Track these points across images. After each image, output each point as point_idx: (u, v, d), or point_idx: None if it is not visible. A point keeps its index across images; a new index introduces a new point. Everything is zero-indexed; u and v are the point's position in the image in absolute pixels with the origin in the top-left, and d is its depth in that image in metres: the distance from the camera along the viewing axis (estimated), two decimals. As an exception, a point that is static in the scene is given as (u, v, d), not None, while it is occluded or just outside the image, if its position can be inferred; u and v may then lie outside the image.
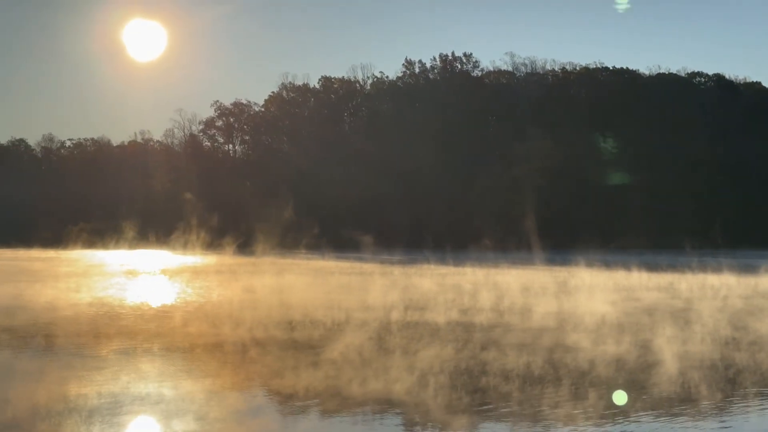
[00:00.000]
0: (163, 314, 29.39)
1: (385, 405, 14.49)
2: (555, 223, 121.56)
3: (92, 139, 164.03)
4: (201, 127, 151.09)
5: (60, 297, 35.82)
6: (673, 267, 64.79)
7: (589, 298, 35.06)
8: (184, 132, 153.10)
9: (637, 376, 17.31)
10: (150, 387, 16.09)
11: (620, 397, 14.86)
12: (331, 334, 23.52)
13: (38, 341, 22.37)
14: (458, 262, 72.06)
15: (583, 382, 16.60)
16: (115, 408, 14.13)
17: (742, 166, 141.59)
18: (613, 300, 34.76)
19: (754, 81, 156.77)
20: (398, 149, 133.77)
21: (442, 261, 73.38)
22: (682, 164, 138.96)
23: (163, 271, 59.68)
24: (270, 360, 19.15)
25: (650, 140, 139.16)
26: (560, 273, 56.33)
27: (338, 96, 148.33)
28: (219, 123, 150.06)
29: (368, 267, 64.89)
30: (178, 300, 35.29)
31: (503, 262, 70.79)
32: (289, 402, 14.87)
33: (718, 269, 59.14)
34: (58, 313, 29.29)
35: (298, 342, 22.01)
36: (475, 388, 16.03)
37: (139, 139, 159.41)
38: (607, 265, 65.03)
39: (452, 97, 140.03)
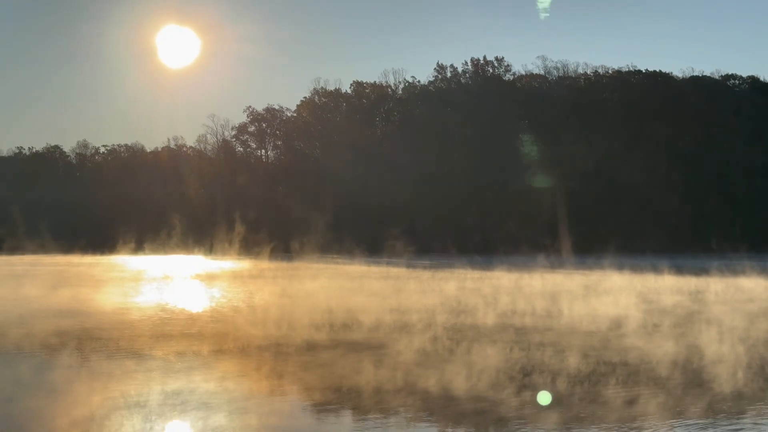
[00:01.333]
0: (222, 317, 31.51)
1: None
2: (588, 226, 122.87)
3: (126, 145, 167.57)
4: (233, 132, 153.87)
5: (128, 302, 38.08)
6: (703, 270, 66.20)
7: (617, 301, 36.81)
8: (216, 137, 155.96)
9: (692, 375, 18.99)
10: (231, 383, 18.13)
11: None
12: (384, 335, 25.48)
13: (144, 340, 24.52)
14: (490, 266, 73.78)
15: (640, 380, 18.43)
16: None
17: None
18: (636, 303, 36.48)
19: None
20: (431, 154, 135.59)
21: (474, 265, 75.17)
22: (717, 167, 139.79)
23: (206, 276, 61.83)
24: (351, 360, 21.13)
25: (684, 143, 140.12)
26: (592, 277, 57.91)
27: (370, 101, 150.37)
28: (251, 128, 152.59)
29: (402, 272, 66.75)
30: (228, 305, 37.34)
31: (536, 266, 72.35)
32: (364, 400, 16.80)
33: (744, 273, 60.50)
34: (136, 316, 31.50)
35: (355, 343, 23.95)
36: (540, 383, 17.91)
37: (172, 145, 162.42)
38: (638, 268, 66.36)
39: (484, 102, 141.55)
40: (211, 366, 19.82)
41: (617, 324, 28.04)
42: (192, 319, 30.57)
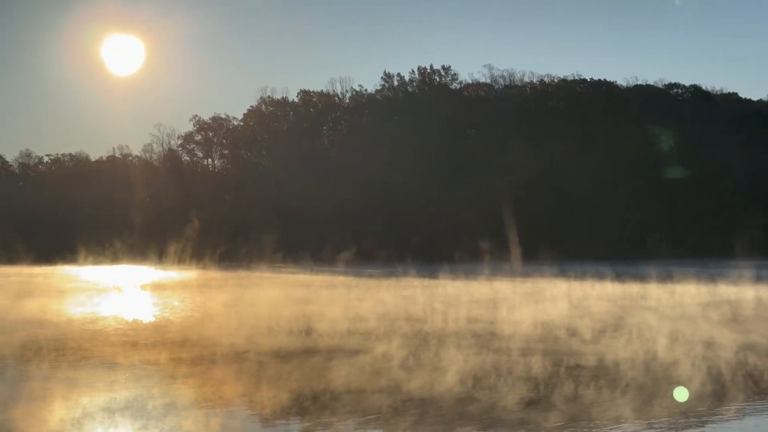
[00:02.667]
0: (161, 327, 33.13)
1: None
2: (535, 234, 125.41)
3: (70, 154, 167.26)
4: (180, 141, 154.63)
5: (78, 313, 39.44)
6: (642, 277, 68.82)
7: (551, 308, 39.04)
8: (162, 146, 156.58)
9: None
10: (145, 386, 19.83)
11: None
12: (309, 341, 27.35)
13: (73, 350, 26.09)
14: (436, 274, 75.79)
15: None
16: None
17: (718, 177, 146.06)
18: (567, 309, 38.74)
19: (731, 92, 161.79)
20: (378, 162, 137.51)
21: (421, 273, 77.13)
22: (660, 175, 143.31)
23: (154, 287, 63.10)
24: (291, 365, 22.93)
25: (628, 151, 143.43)
26: (535, 284, 60.16)
27: (317, 109, 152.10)
28: (198, 137, 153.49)
29: (348, 280, 68.53)
30: (177, 315, 38.89)
31: (482, 274, 74.45)
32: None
33: (681, 279, 63.25)
34: (90, 326, 32.98)
35: (284, 350, 25.78)
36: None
37: (117, 154, 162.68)
38: (581, 275, 68.67)
39: (431, 110, 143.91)
40: (149, 374, 21.48)
41: (545, 328, 30.19)
42: (140, 328, 32.16)
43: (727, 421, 15.82)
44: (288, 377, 20.03)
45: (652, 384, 19.11)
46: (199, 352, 24.62)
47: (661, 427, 15.23)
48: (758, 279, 63.72)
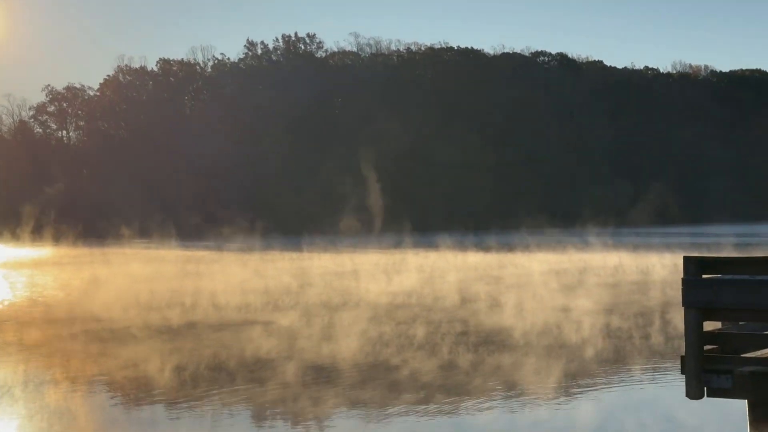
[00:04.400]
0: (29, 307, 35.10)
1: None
2: (402, 206, 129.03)
3: None
4: (32, 113, 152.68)
5: None
6: (505, 247, 73.05)
7: (404, 280, 42.44)
8: (13, 118, 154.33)
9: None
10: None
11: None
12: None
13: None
14: (300, 247, 78.48)
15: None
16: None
17: (586, 145, 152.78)
18: (417, 280, 42.20)
19: (596, 60, 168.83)
20: (242, 133, 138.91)
21: (286, 247, 79.67)
22: (527, 144, 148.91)
23: (11, 265, 63.91)
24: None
25: (496, 120, 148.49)
26: (395, 256, 63.50)
27: (178, 79, 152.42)
28: (51, 108, 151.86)
29: (211, 255, 70.65)
30: (32, 293, 40.64)
31: (348, 246, 77.44)
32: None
33: (544, 247, 67.72)
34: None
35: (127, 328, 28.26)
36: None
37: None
38: (445, 247, 72.19)
39: (296, 79, 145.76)
40: None
41: (390, 298, 33.46)
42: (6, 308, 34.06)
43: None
44: (159, 355, 22.52)
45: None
46: (69, 330, 26.82)
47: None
48: (618, 246, 68.32)
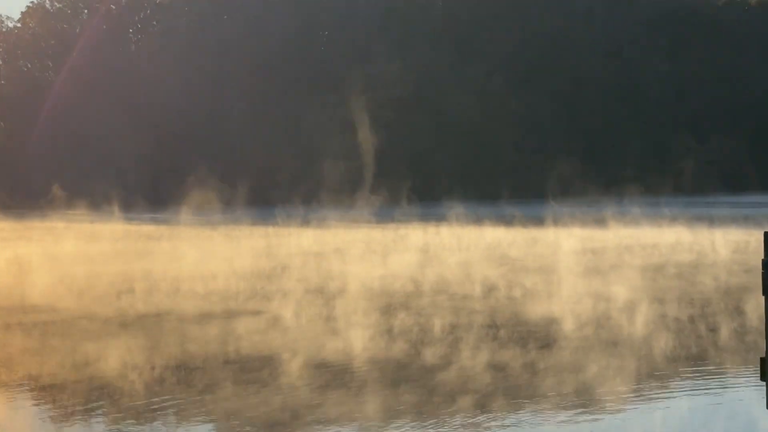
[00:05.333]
0: None
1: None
2: (405, 168, 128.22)
3: None
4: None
5: None
6: (534, 219, 72.35)
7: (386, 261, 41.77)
8: None
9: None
10: None
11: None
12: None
13: None
14: (267, 219, 77.98)
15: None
16: None
17: (637, 91, 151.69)
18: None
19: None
20: (201, 77, 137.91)
21: (256, 220, 79.07)
22: (564, 90, 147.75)
23: None
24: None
25: (523, 59, 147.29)
26: (390, 233, 62.89)
27: (121, 6, 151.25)
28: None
29: (160, 230, 70.18)
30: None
31: (333, 220, 76.83)
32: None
33: (575, 221, 67.07)
34: None
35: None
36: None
37: None
38: (458, 218, 71.58)
39: (271, 7, 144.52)
40: None
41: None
42: None
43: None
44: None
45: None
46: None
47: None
48: (676, 218, 67.47)
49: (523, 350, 20.76)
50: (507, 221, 70.57)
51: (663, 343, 20.82)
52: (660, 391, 16.91)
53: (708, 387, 17.17)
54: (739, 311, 25.31)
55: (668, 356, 19.74)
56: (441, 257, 43.50)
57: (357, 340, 21.94)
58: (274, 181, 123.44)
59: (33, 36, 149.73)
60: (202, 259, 43.71)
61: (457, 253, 45.86)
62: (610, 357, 19.66)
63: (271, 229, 67.55)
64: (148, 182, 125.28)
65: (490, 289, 31.13)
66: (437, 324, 24.35)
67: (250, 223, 74.64)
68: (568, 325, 23.36)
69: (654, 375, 18.25)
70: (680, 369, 18.77)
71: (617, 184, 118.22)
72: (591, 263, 39.03)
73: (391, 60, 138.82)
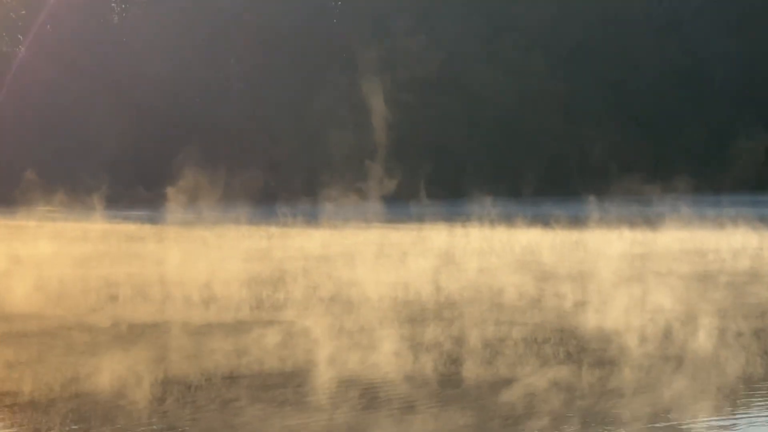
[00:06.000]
0: None
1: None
2: (430, 159, 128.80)
3: None
4: None
5: None
6: (578, 220, 73.42)
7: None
8: None
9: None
10: None
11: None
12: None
13: None
14: (272, 219, 78.91)
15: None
16: None
17: (700, 72, 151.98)
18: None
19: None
20: (195, 52, 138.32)
21: (256, 218, 79.96)
22: (615, 70, 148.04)
23: None
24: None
25: (567, 34, 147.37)
26: (416, 234, 64.03)
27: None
28: None
29: (143, 230, 71.28)
30: None
31: (343, 217, 77.78)
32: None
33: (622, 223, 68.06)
34: None
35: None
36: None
37: None
38: (499, 219, 72.38)
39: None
40: None
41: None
42: None
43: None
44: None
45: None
46: None
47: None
48: (753, 222, 67.94)
49: (581, 367, 21.79)
50: (544, 221, 71.40)
51: (734, 360, 21.92)
52: (739, 413, 18.02)
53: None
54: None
55: (742, 374, 20.88)
56: (468, 262, 44.39)
57: (390, 354, 22.97)
58: (277, 173, 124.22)
59: (1, 5, 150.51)
60: (196, 263, 44.50)
61: (486, 257, 46.75)
62: (678, 375, 20.71)
63: (273, 229, 68.30)
64: (133, 173, 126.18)
65: (531, 300, 32.50)
66: (474, 337, 25.48)
67: (250, 221, 75.51)
68: (625, 340, 24.38)
69: (729, 395, 19.25)
70: (755, 386, 19.91)
71: (673, 178, 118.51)
72: (641, 269, 39.95)
73: (412, 34, 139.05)
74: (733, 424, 17.26)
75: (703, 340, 24.25)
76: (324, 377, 20.38)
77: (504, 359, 22.38)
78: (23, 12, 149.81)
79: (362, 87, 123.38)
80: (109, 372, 20.84)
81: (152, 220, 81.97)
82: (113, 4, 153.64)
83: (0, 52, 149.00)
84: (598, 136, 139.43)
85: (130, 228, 73.46)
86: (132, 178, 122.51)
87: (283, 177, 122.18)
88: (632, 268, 40.21)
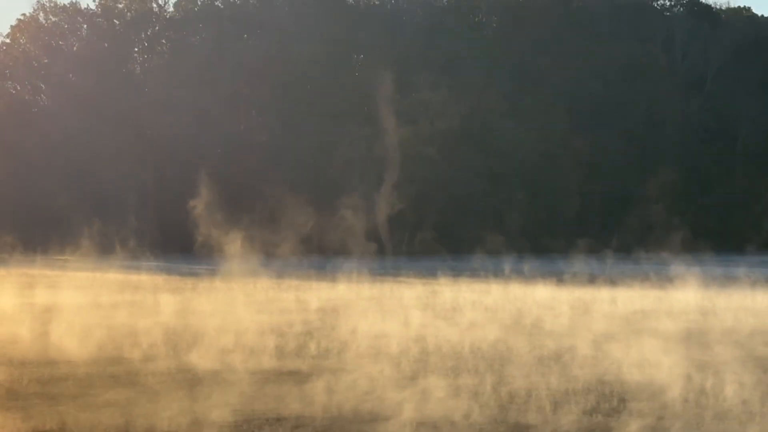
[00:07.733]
0: None
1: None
2: (449, 215, 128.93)
3: None
4: None
5: None
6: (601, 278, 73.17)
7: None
8: None
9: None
10: None
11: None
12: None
13: None
14: (280, 272, 79.15)
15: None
16: None
17: (725, 129, 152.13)
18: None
19: (742, 6, 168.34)
20: (217, 103, 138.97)
21: (282, 273, 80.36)
22: (640, 126, 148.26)
23: None
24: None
25: (592, 90, 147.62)
26: (431, 289, 63.90)
27: (125, 22, 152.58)
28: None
29: (143, 280, 71.42)
30: None
31: (362, 274, 77.76)
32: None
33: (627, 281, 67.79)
34: None
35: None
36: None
37: None
38: (522, 277, 72.39)
39: (300, 25, 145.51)
40: None
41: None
42: None
43: None
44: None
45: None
46: None
47: None
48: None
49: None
50: (572, 280, 71.26)
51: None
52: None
53: None
54: None
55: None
56: (484, 320, 44.29)
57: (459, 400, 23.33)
58: (295, 227, 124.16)
59: (24, 54, 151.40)
60: (230, 313, 44.77)
61: (502, 314, 46.70)
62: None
63: (296, 282, 68.59)
64: (155, 222, 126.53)
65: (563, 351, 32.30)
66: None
67: (279, 276, 75.99)
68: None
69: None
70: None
71: (697, 237, 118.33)
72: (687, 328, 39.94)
73: (436, 87, 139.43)
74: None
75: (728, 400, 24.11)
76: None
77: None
78: (46, 61, 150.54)
79: (383, 140, 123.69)
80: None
81: (154, 271, 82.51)
82: (135, 55, 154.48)
83: (21, 100, 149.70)
84: (621, 193, 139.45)
85: (149, 278, 73.71)
86: (152, 228, 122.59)
87: (300, 230, 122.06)
88: (672, 328, 40.03)
